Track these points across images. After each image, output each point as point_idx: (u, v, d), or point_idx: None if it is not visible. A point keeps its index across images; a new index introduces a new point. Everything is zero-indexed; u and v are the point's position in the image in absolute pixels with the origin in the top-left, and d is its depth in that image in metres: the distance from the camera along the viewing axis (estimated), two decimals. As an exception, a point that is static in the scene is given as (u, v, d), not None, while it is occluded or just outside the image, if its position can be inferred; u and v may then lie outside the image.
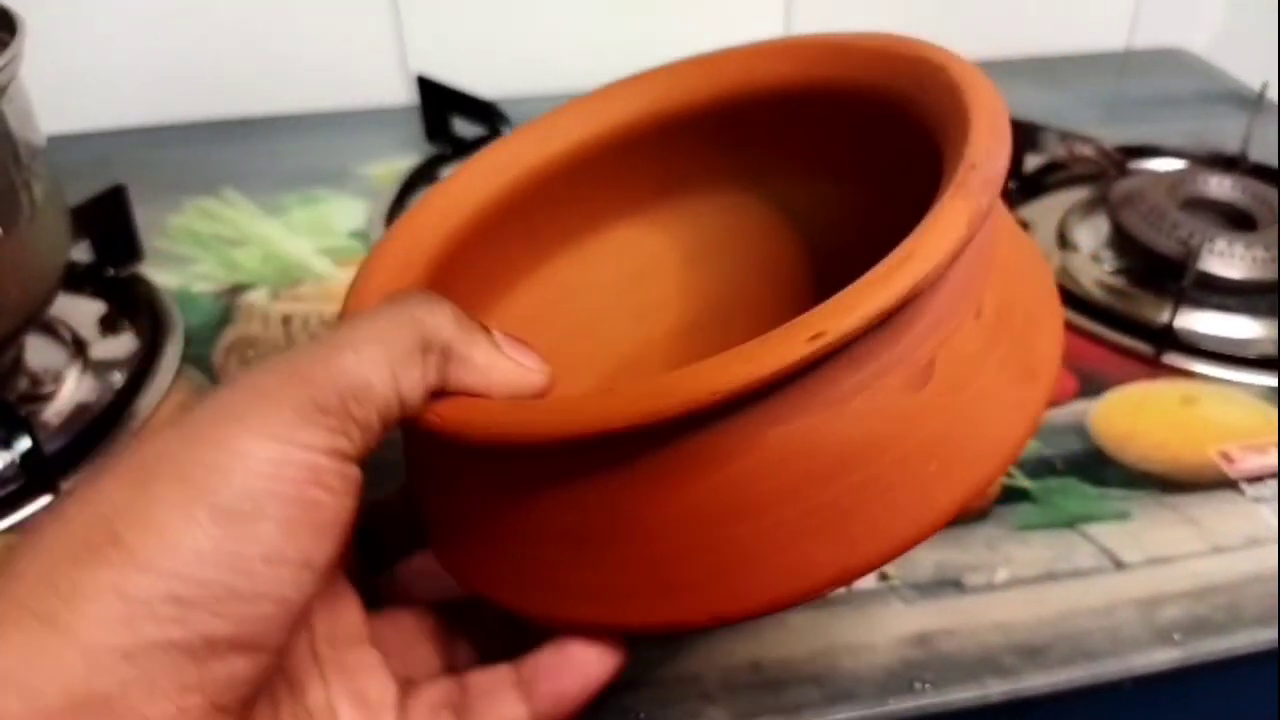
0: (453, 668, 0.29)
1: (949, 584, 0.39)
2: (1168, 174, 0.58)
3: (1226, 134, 0.66)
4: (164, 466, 0.21)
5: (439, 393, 0.25)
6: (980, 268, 0.25)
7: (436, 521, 0.29)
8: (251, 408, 0.21)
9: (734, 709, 0.35)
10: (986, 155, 0.24)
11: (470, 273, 0.32)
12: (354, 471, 0.23)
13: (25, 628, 0.19)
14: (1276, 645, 0.37)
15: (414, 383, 0.24)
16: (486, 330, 0.26)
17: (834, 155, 0.35)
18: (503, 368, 0.25)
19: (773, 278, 0.37)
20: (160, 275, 0.56)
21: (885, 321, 0.21)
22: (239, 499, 0.21)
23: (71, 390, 0.48)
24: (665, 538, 0.24)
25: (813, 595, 0.24)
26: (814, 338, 0.21)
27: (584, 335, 0.37)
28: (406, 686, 0.27)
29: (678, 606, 0.24)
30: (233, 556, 0.21)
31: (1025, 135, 0.61)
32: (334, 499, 0.22)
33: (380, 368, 0.23)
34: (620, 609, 0.25)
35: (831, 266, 0.36)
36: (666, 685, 0.35)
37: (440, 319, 0.24)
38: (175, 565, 0.20)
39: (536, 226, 0.35)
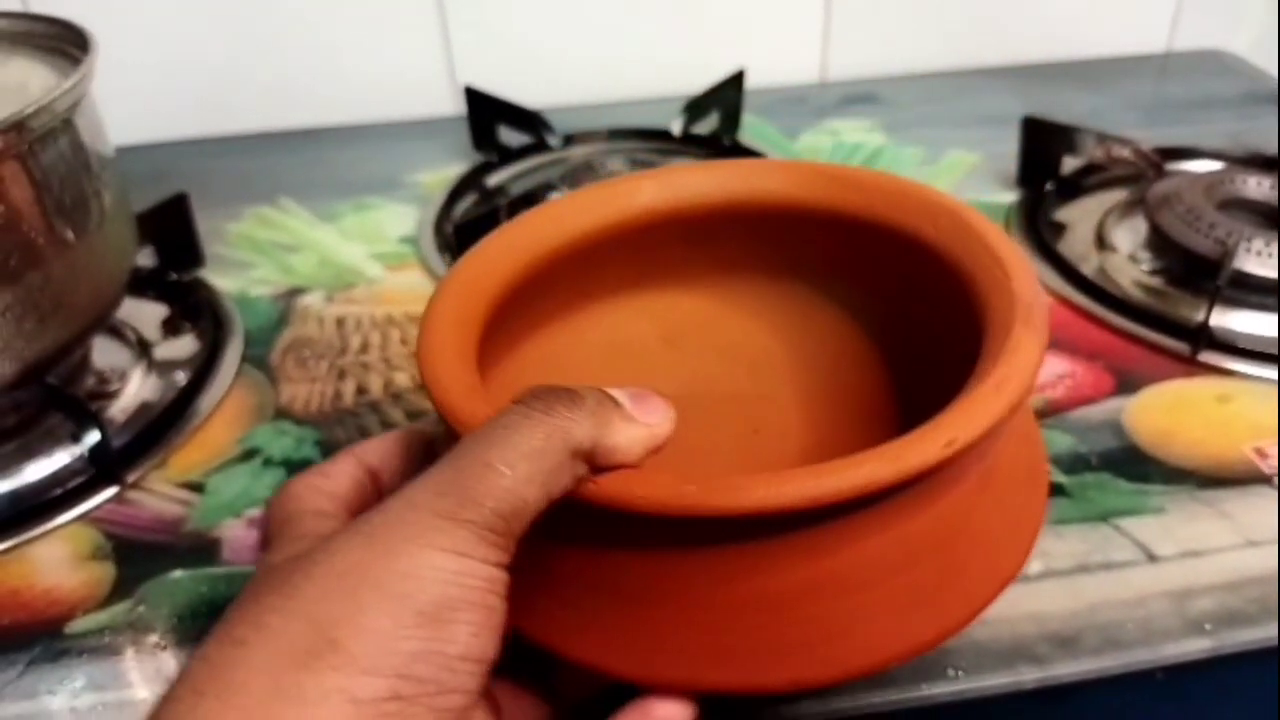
0: None
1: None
2: (1205, 175, 0.58)
3: (1266, 135, 0.65)
4: (364, 577, 0.22)
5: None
6: None
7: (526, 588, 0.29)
8: (433, 528, 0.23)
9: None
10: (1036, 294, 0.29)
11: (500, 324, 0.35)
12: (507, 576, 0.25)
13: None
14: (1310, 638, 0.37)
15: (563, 488, 0.25)
16: (617, 403, 0.27)
17: (816, 270, 0.39)
18: (640, 439, 0.26)
19: (740, 363, 0.41)
20: (220, 279, 0.59)
21: (989, 435, 0.25)
22: (437, 605, 0.23)
23: (136, 388, 0.51)
24: (777, 608, 0.27)
25: (916, 654, 0.28)
26: (949, 444, 0.25)
27: (604, 382, 0.39)
28: None
29: (772, 671, 0.27)
30: (439, 655, 0.23)
31: (1063, 137, 0.61)
32: (502, 603, 0.24)
33: (535, 487, 0.24)
34: (724, 672, 0.27)
35: (795, 359, 0.40)
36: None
37: (583, 422, 0.25)
38: (394, 665, 0.22)
39: (541, 301, 0.38)
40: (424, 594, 0.23)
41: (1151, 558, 0.40)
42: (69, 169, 0.43)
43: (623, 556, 0.27)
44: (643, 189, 0.38)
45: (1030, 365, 0.27)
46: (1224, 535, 0.41)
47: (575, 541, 0.28)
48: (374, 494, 0.30)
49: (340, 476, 0.30)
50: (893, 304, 0.37)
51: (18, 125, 0.39)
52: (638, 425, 0.26)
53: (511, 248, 0.36)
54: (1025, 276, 0.29)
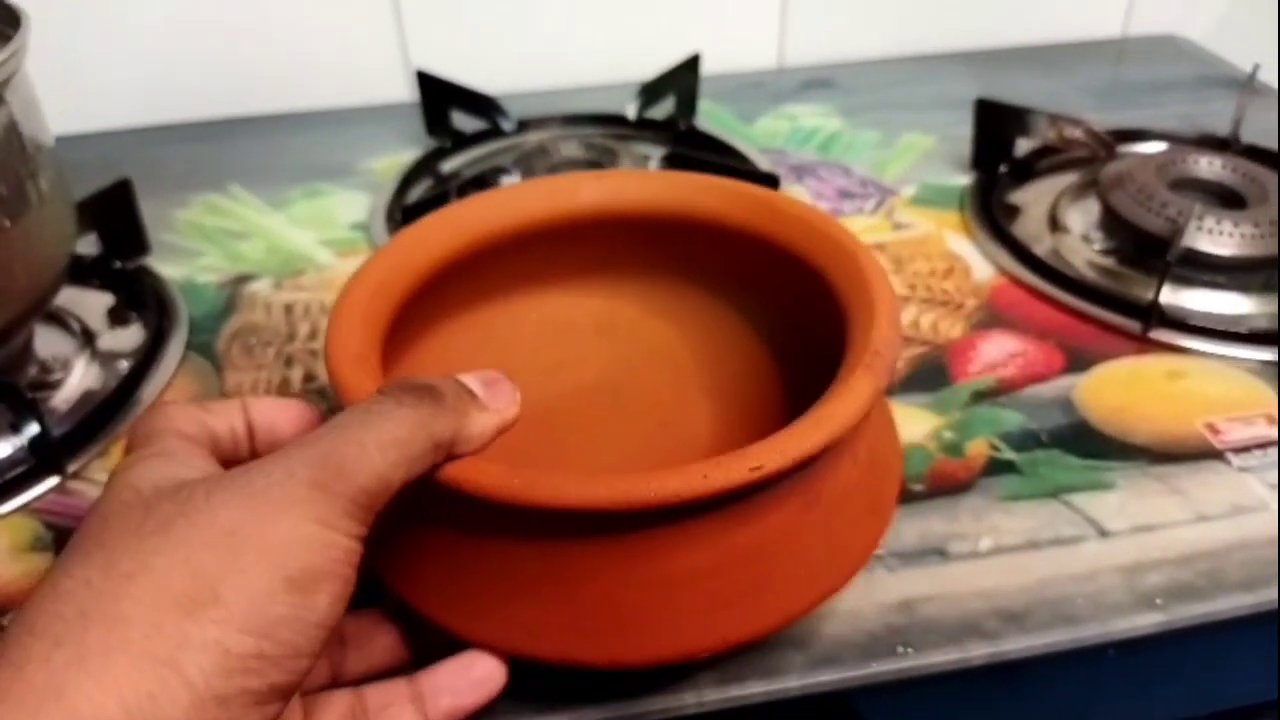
0: (338, 678, 0.32)
1: (933, 553, 0.39)
2: (1156, 155, 0.58)
3: (1221, 118, 0.66)
4: (248, 538, 0.24)
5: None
6: (865, 426, 0.32)
7: (394, 550, 0.32)
8: (309, 499, 0.25)
9: (721, 674, 0.35)
10: (887, 345, 0.32)
11: (422, 305, 0.37)
12: (362, 549, 0.27)
13: (146, 670, 0.22)
14: (1260, 610, 0.37)
15: (421, 473, 0.28)
16: (473, 395, 0.29)
17: (735, 284, 0.42)
18: (491, 425, 0.29)
19: (661, 362, 0.44)
20: (166, 267, 0.58)
21: (803, 464, 0.28)
22: (305, 574, 0.25)
23: (79, 378, 0.50)
24: (619, 594, 0.30)
25: (723, 649, 0.31)
26: (754, 469, 0.28)
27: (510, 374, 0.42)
28: (306, 698, 0.30)
29: (619, 649, 0.30)
30: (300, 622, 0.24)
31: (1016, 119, 0.61)
32: (355, 575, 0.26)
33: (400, 469, 0.27)
34: (573, 647, 0.30)
35: (709, 365, 0.43)
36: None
37: (443, 416, 0.28)
38: (263, 626, 0.24)
39: (482, 277, 0.40)
40: (296, 562, 0.24)
41: (1102, 533, 0.40)
42: (1, 150, 0.42)
43: (499, 540, 0.30)
44: (583, 187, 0.41)
45: (856, 408, 0.30)
46: (1175, 510, 0.41)
47: (439, 521, 0.31)
48: (245, 447, 0.31)
49: (221, 416, 0.31)
50: (793, 322, 0.40)
51: (-58, 102, 0.38)
52: (489, 413, 0.29)
53: (451, 226, 0.39)
54: (886, 325, 0.32)
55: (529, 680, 0.32)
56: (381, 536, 0.30)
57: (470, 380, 0.30)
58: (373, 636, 0.33)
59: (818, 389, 0.31)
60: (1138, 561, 0.39)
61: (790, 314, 0.40)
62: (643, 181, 0.41)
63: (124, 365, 0.50)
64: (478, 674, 0.31)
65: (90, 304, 0.54)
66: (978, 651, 0.36)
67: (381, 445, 0.26)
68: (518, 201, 0.40)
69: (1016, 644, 0.36)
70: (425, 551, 0.31)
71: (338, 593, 0.25)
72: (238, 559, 0.24)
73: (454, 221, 0.39)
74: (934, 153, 0.67)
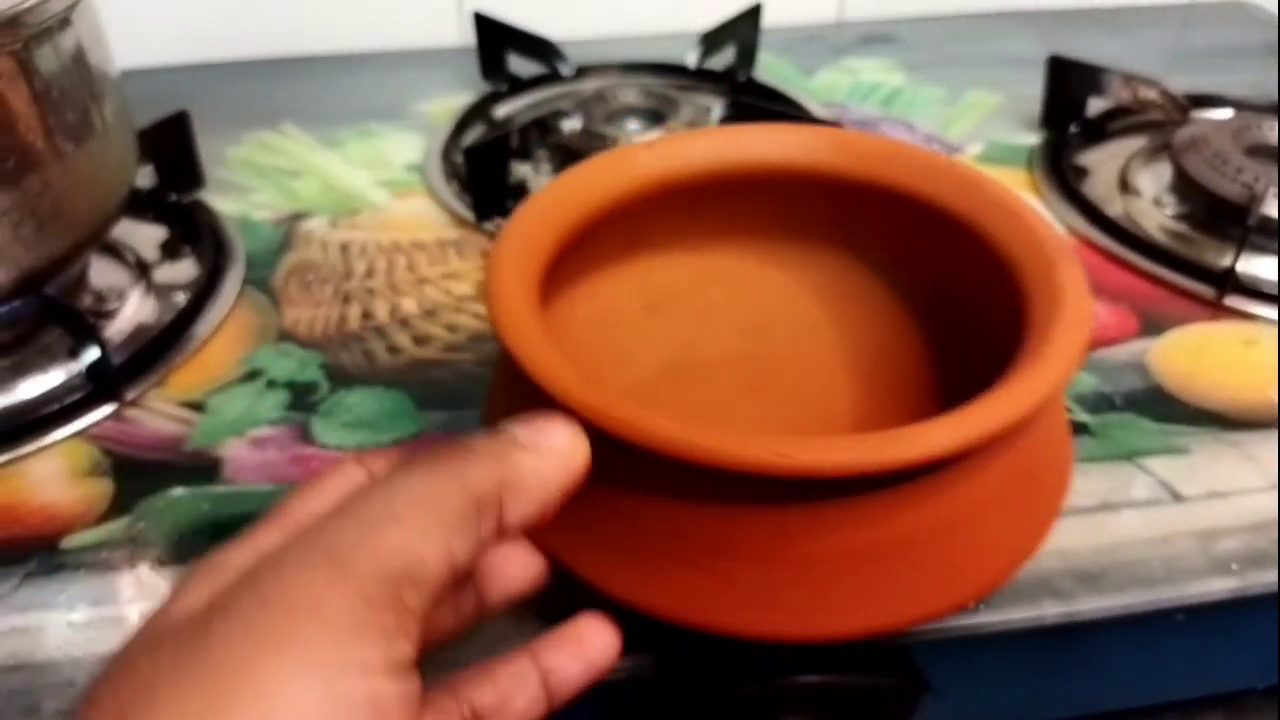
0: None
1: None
2: (1232, 120, 0.57)
3: (1295, 84, 0.64)
4: (231, 700, 0.18)
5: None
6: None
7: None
8: (291, 631, 0.18)
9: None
10: (1080, 285, 0.31)
11: (580, 250, 0.35)
12: (416, 686, 0.20)
13: None
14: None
15: (470, 549, 0.21)
16: (513, 438, 0.24)
17: (894, 256, 0.40)
18: (550, 468, 0.24)
19: (806, 332, 0.41)
20: (221, 203, 0.57)
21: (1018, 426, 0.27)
22: None
23: (134, 309, 0.49)
24: (820, 565, 0.28)
25: (924, 621, 0.30)
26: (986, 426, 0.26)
27: (643, 339, 0.40)
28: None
29: (816, 621, 0.29)
30: None
31: (1089, 78, 0.59)
32: (418, 692, 0.20)
33: (433, 540, 0.20)
34: (757, 621, 0.28)
35: (856, 338, 0.41)
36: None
37: (478, 464, 0.22)
38: None
39: (640, 228, 0.38)
40: None
41: (1176, 497, 0.39)
42: (67, 74, 0.41)
43: (675, 506, 0.28)
44: (751, 140, 0.38)
45: (1063, 367, 0.28)
46: (1249, 477, 0.40)
47: (634, 487, 0.28)
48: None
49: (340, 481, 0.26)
50: (953, 303, 0.37)
51: (12, 20, 0.37)
52: (544, 453, 0.24)
53: (613, 172, 0.36)
54: (1071, 268, 0.31)
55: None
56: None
57: (508, 424, 0.25)
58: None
59: (972, 373, 0.30)
60: (1212, 527, 0.38)
61: (952, 294, 0.37)
62: (810, 138, 0.38)
63: (179, 298, 0.50)
64: (597, 641, 0.26)
65: (144, 236, 0.54)
66: (1052, 610, 0.35)
67: (398, 514, 0.20)
68: (683, 151, 0.37)
69: (1090, 604, 0.35)
70: (595, 511, 0.28)
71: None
72: None
73: (616, 167, 0.36)
74: (1000, 111, 0.65)
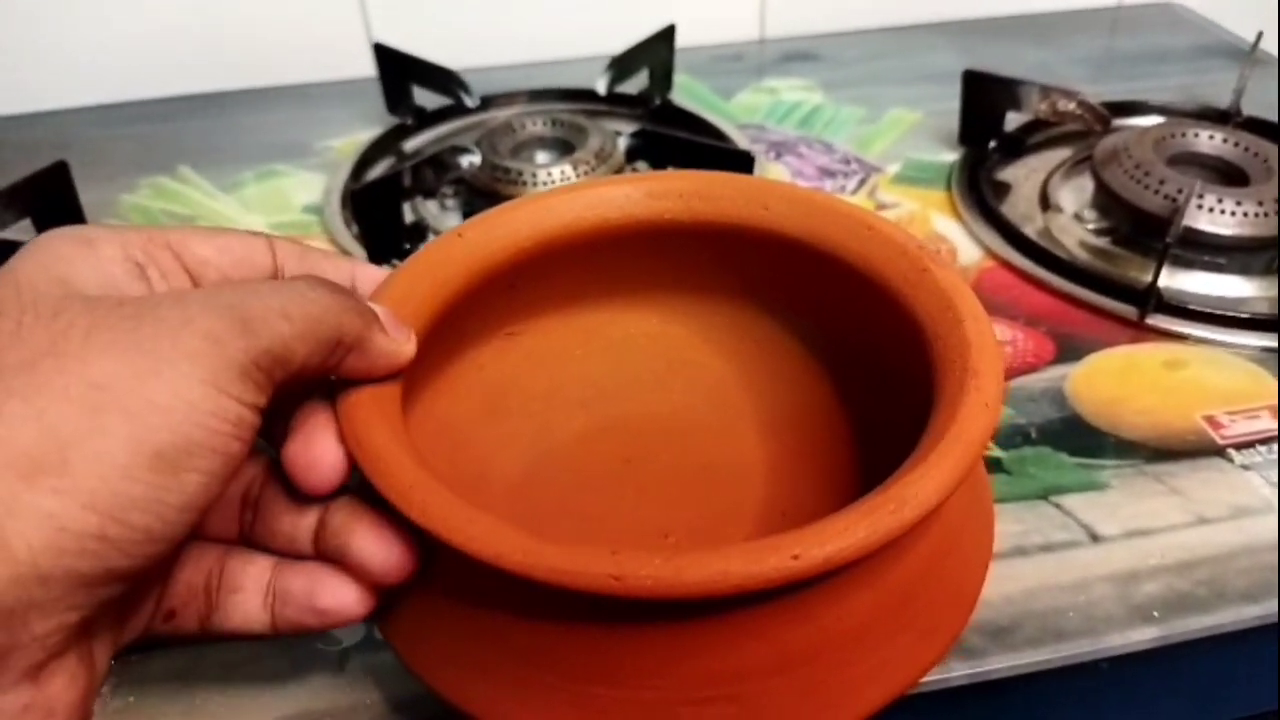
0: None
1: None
2: (1154, 128, 0.55)
3: (1222, 90, 0.62)
4: (118, 398, 0.21)
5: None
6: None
7: (409, 613, 0.28)
8: (202, 353, 0.21)
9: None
10: (991, 361, 0.27)
11: (456, 322, 0.32)
12: (258, 422, 0.23)
13: None
14: (1265, 622, 0.34)
15: (320, 365, 0.25)
16: (376, 316, 0.26)
17: (798, 307, 0.36)
18: (389, 352, 0.27)
19: (712, 393, 0.38)
20: (107, 254, 0.54)
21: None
22: (177, 448, 0.21)
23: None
24: (708, 686, 0.25)
25: None
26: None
27: (529, 415, 0.37)
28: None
29: None
30: (159, 505, 0.21)
31: (1006, 91, 0.57)
32: (244, 449, 0.23)
33: (305, 345, 0.24)
34: None
35: (766, 398, 0.37)
36: None
37: (357, 319, 0.25)
38: (112, 507, 0.20)
39: (518, 292, 0.35)
40: (169, 433, 0.21)
41: (1095, 538, 0.37)
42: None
43: (496, 611, 0.26)
44: (633, 192, 0.34)
45: (978, 438, 0.25)
46: (1173, 513, 0.38)
47: (489, 602, 0.26)
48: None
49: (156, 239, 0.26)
50: (865, 355, 0.34)
51: None
52: (390, 340, 0.27)
53: (483, 237, 0.33)
54: (980, 331, 0.28)
55: None
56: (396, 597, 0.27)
57: (374, 305, 0.27)
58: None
59: (890, 435, 0.27)
60: (1133, 569, 0.36)
61: (863, 347, 0.34)
62: (707, 186, 0.34)
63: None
64: (329, 602, 0.26)
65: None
66: (958, 671, 0.33)
67: (290, 315, 0.23)
68: (558, 209, 0.34)
69: (1001, 662, 0.33)
70: (439, 621, 0.27)
71: (215, 471, 0.22)
72: (100, 421, 0.20)
73: (486, 232, 0.33)
74: (920, 128, 0.63)
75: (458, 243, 0.32)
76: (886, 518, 0.23)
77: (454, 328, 0.33)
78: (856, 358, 0.35)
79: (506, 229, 0.33)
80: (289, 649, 0.34)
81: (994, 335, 0.28)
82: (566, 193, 0.34)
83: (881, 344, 0.32)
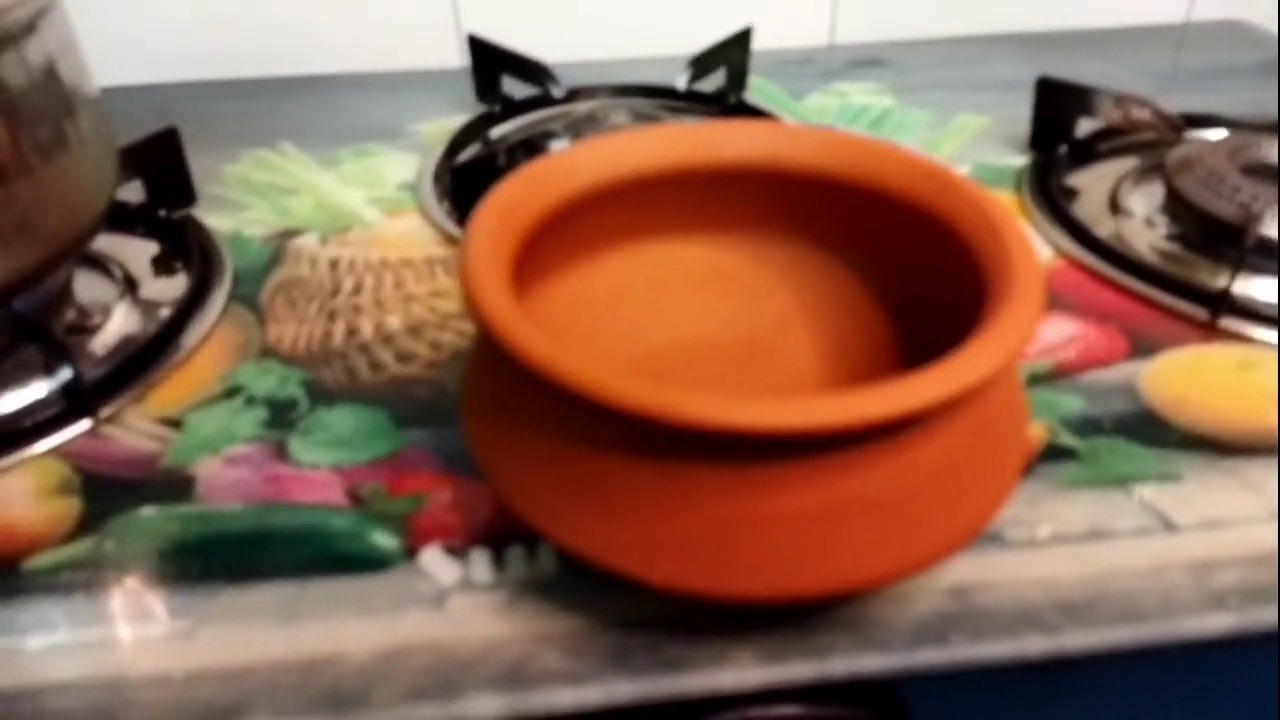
0: None
1: (989, 538, 0.35)
2: (1227, 139, 0.54)
3: (1289, 105, 0.61)
4: None
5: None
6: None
7: (521, 476, 0.31)
8: None
9: (761, 649, 0.32)
10: (1031, 264, 0.30)
11: (544, 245, 0.35)
12: None
13: None
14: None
15: None
16: None
17: (855, 244, 0.39)
18: None
19: (772, 319, 0.41)
20: (213, 219, 0.55)
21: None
22: None
23: (119, 324, 0.47)
24: (777, 524, 0.28)
25: (880, 585, 0.30)
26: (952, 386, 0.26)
27: (611, 334, 0.40)
28: None
29: (764, 580, 0.28)
30: None
31: (1079, 98, 0.56)
32: None
33: None
34: (718, 578, 0.28)
35: (823, 324, 0.41)
36: (693, 622, 0.32)
37: None
38: None
39: (605, 222, 0.38)
40: None
41: (1169, 527, 0.36)
42: (35, 86, 0.39)
43: (638, 461, 0.28)
44: (653, 142, 0.37)
45: (1022, 331, 0.28)
46: (1247, 506, 0.37)
47: (600, 445, 0.28)
48: None
49: None
50: (916, 286, 0.37)
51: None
52: None
53: (576, 167, 0.36)
54: (1023, 247, 0.31)
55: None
56: (489, 435, 0.30)
57: None
58: None
59: (936, 353, 0.28)
60: (1207, 559, 0.35)
61: (914, 278, 0.37)
62: (770, 135, 0.37)
63: (165, 314, 0.47)
64: None
65: (134, 252, 0.52)
66: (1035, 644, 0.32)
67: None
68: (646, 147, 0.37)
69: (1077, 639, 0.32)
70: (542, 462, 0.30)
71: None
72: None
73: (581, 162, 0.36)
74: (988, 133, 0.62)
75: (561, 163, 0.35)
76: (962, 374, 0.26)
77: (549, 243, 0.35)
78: (907, 288, 0.38)
79: (605, 157, 0.36)
80: (390, 586, 0.34)
81: (1031, 243, 0.31)
82: (655, 131, 0.37)
83: (930, 271, 0.34)
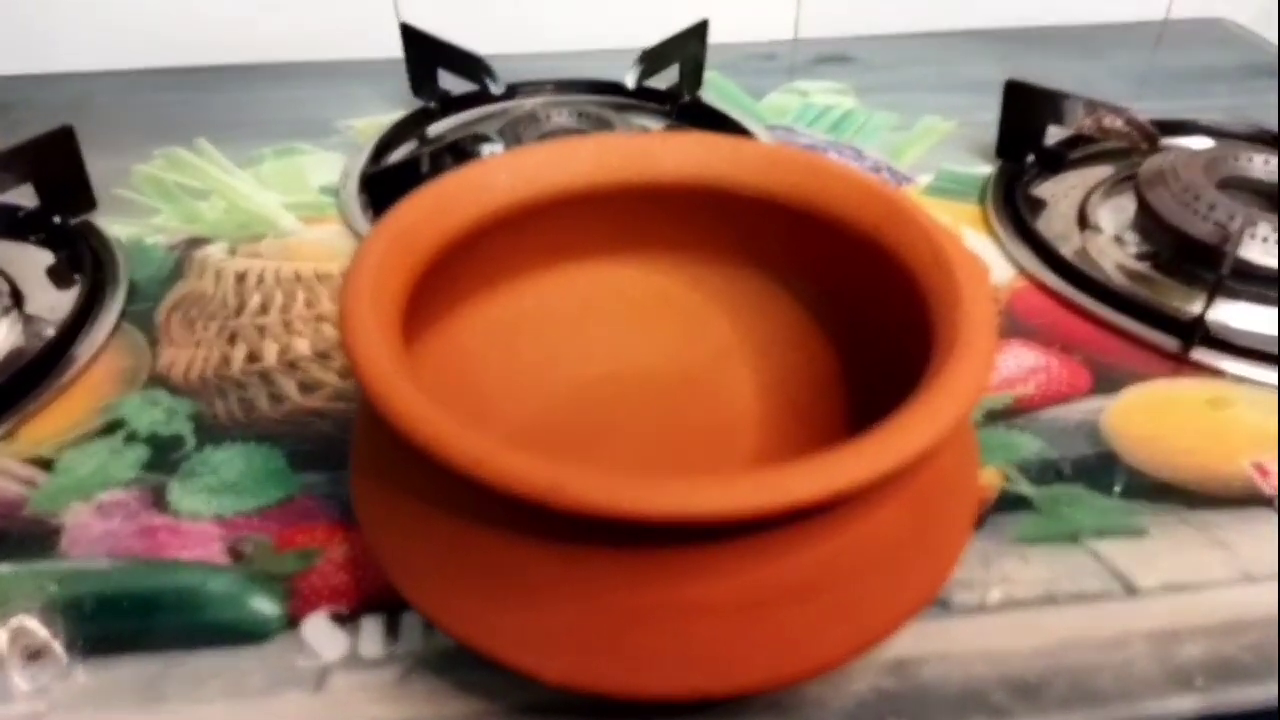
0: None
1: (935, 603, 0.32)
2: (1204, 151, 0.50)
3: (1270, 110, 0.58)
4: None
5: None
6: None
7: (406, 551, 0.28)
8: None
9: (678, 739, 0.29)
10: (985, 319, 0.27)
11: (445, 276, 0.32)
12: None
13: None
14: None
15: None
16: None
17: (794, 268, 0.36)
18: None
19: (707, 348, 0.38)
20: (116, 224, 0.51)
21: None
22: None
23: (1, 340, 0.43)
24: (684, 617, 0.25)
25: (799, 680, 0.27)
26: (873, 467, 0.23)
27: (533, 364, 0.37)
28: None
29: (671, 679, 0.25)
30: None
31: (1049, 104, 0.53)
32: None
33: None
34: (620, 676, 0.25)
35: (760, 353, 0.37)
36: (602, 709, 0.29)
37: None
38: None
39: (515, 247, 0.35)
40: None
41: (1131, 590, 0.33)
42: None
43: (531, 544, 0.25)
44: (581, 156, 0.34)
45: (969, 389, 0.25)
46: (1216, 567, 0.34)
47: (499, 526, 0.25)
48: None
49: None
50: (859, 314, 0.34)
51: None
52: None
53: (481, 188, 0.32)
54: (976, 287, 0.28)
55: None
56: (373, 500, 0.28)
57: None
58: None
59: (886, 396, 0.26)
60: (1173, 628, 0.32)
61: (860, 307, 0.34)
62: (711, 149, 0.34)
63: (49, 333, 0.43)
64: None
65: (26, 262, 0.48)
66: (982, 732, 0.29)
67: None
68: (572, 161, 0.34)
69: (1028, 725, 0.29)
70: (428, 538, 0.27)
71: None
72: None
73: (499, 178, 0.32)
74: (955, 138, 0.59)
75: (475, 179, 0.32)
76: (900, 444, 0.23)
77: (462, 267, 0.32)
78: (854, 319, 0.35)
79: (527, 172, 0.33)
80: (265, 662, 0.30)
81: (986, 281, 0.28)
82: (584, 144, 0.34)
83: (877, 303, 0.32)
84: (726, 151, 0.34)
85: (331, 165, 0.56)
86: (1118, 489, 0.36)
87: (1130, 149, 0.53)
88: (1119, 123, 0.51)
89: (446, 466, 0.23)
